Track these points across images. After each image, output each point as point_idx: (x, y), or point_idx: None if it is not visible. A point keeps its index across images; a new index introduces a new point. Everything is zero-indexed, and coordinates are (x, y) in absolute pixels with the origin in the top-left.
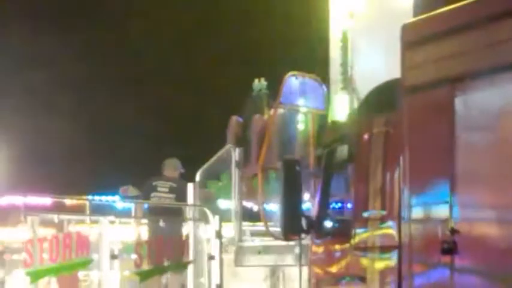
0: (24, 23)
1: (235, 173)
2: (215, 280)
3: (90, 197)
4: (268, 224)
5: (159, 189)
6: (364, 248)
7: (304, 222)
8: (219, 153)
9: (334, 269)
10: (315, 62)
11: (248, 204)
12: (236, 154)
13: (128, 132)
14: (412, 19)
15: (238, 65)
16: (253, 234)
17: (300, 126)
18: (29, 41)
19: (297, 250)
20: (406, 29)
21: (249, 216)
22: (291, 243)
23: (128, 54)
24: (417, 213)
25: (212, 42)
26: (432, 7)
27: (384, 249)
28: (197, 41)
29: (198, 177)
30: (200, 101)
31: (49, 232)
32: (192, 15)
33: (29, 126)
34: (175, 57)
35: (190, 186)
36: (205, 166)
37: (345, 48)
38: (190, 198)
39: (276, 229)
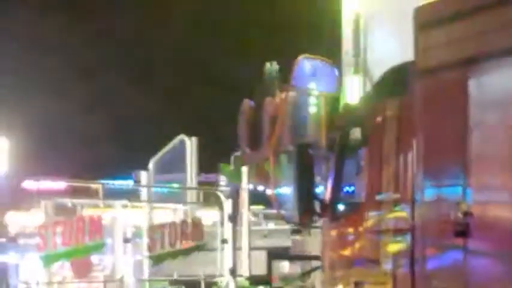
0: (38, 10)
1: (190, 163)
2: (228, 264)
3: (103, 181)
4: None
5: None
6: (377, 231)
7: (317, 206)
8: (171, 144)
9: (347, 252)
10: (327, 45)
11: (260, 187)
12: (192, 144)
13: (142, 118)
14: (426, 1)
15: (249, 49)
16: (267, 217)
17: (312, 109)
18: (39, 26)
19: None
20: (419, 11)
21: (262, 199)
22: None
23: (142, 41)
24: (430, 195)
25: (222, 28)
26: None
27: (397, 231)
28: (208, 27)
29: (151, 167)
30: (212, 86)
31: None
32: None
33: (43, 112)
34: (186, 43)
35: (143, 174)
36: (157, 156)
37: (357, 31)
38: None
39: (289, 212)
